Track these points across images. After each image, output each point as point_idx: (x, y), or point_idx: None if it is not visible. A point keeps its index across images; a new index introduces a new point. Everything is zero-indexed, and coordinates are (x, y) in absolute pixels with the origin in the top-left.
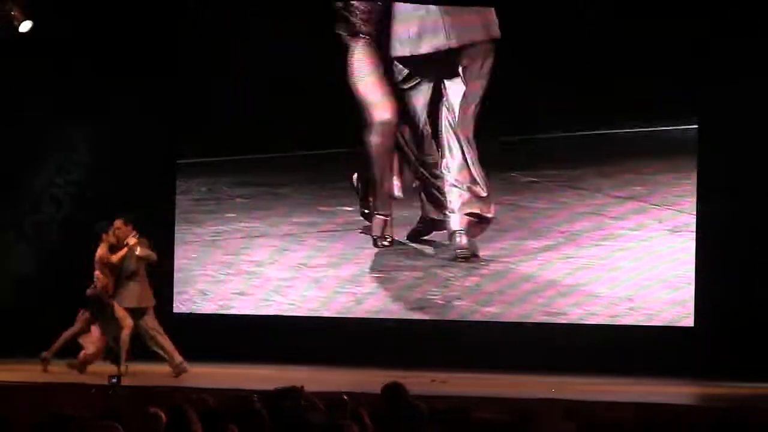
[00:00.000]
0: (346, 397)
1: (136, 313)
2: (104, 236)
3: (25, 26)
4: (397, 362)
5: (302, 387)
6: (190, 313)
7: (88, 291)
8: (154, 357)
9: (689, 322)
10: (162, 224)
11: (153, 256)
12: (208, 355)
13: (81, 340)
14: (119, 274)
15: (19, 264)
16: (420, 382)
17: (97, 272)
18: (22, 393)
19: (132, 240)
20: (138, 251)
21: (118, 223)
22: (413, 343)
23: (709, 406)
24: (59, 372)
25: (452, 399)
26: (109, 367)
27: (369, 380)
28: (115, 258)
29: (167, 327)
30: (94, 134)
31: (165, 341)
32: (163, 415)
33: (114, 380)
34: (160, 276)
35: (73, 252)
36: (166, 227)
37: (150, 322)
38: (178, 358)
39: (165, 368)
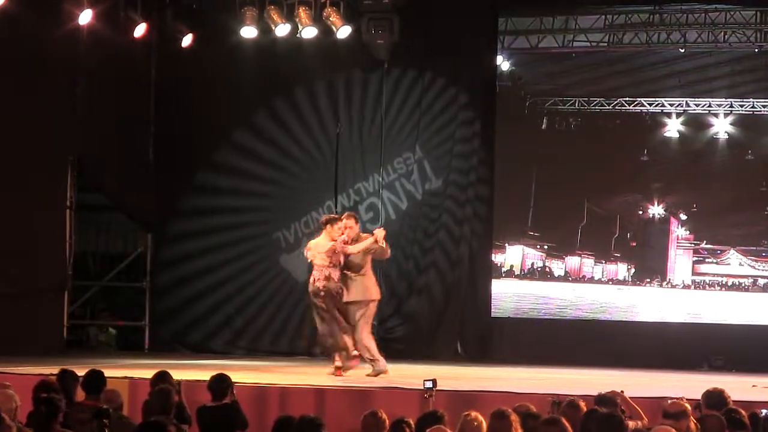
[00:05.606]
0: (683, 402)
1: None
2: (329, 228)
3: (344, 32)
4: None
5: (622, 391)
6: (507, 317)
7: (323, 284)
8: None
9: None
10: None
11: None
12: (526, 358)
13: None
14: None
15: None
16: (741, 387)
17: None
18: (339, 396)
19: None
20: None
21: (350, 221)
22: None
23: None
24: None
25: None
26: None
27: (693, 385)
28: (354, 250)
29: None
30: None
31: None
32: (483, 420)
33: (429, 384)
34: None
35: None
36: None
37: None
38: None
39: (484, 371)
